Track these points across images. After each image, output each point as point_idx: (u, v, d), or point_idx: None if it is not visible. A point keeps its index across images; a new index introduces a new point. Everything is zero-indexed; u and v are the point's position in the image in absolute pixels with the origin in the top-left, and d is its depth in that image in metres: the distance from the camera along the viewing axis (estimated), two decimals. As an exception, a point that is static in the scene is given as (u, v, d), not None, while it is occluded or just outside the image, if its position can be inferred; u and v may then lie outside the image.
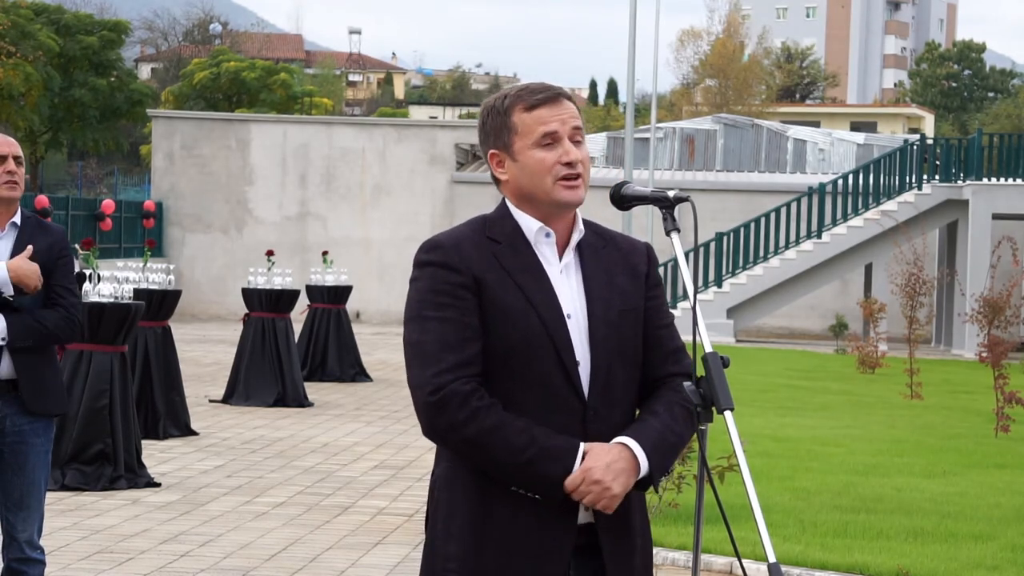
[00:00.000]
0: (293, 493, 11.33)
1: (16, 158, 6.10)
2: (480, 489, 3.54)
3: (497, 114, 3.64)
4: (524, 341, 3.52)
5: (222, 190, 35.08)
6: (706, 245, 31.44)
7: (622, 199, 3.71)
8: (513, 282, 3.56)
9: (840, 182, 31.84)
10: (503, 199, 3.68)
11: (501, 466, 3.49)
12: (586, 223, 3.71)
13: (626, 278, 3.68)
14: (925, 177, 31.43)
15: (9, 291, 5.99)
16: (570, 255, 3.66)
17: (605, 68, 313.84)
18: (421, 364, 3.52)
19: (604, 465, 3.48)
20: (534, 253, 3.61)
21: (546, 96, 3.63)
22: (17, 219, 6.12)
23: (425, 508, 3.75)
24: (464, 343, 3.51)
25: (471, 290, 3.54)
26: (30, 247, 6.03)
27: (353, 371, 20.59)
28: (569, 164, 3.59)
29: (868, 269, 32.37)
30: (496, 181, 3.69)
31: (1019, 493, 11.77)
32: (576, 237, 3.66)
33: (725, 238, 31.33)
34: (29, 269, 6.01)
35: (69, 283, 6.17)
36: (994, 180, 31.00)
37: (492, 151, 3.66)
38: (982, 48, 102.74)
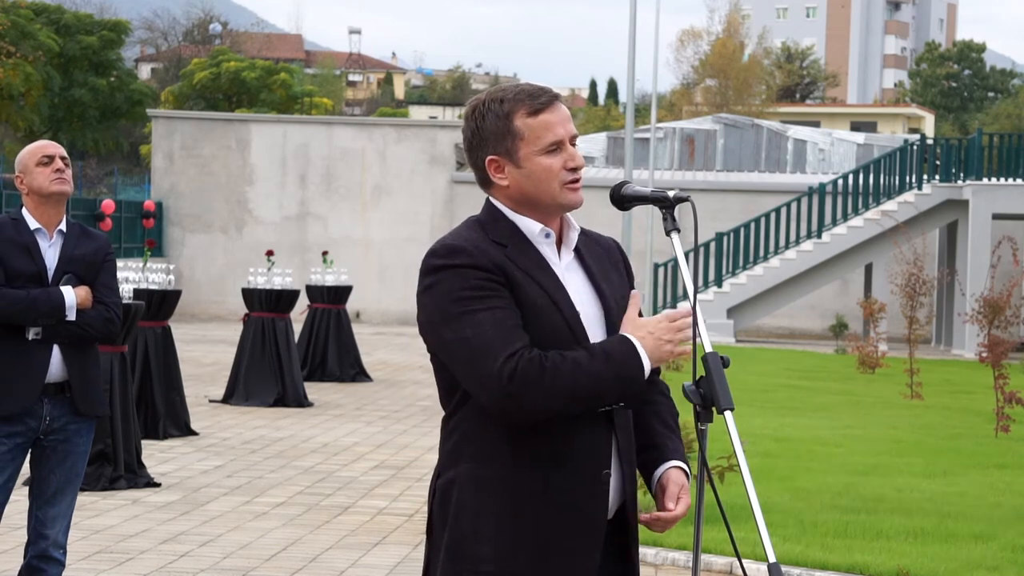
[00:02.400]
0: (293, 493, 11.32)
1: (63, 158, 6.35)
2: (509, 489, 3.52)
3: (496, 118, 3.60)
4: (550, 339, 3.52)
5: (222, 190, 35.07)
6: (706, 245, 31.44)
7: (622, 199, 3.72)
8: (534, 281, 3.56)
9: (840, 182, 31.83)
10: (489, 201, 3.66)
11: (593, 396, 3.49)
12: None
13: (613, 272, 3.74)
14: (925, 177, 31.42)
15: (72, 316, 6.28)
16: (569, 254, 3.67)
17: (605, 68, 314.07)
18: (485, 355, 3.45)
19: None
20: (540, 253, 3.62)
21: (547, 100, 3.62)
22: (63, 226, 6.34)
23: (428, 509, 3.72)
24: (519, 328, 3.49)
25: (505, 287, 3.52)
26: (87, 288, 6.36)
27: (353, 371, 20.58)
28: (574, 169, 3.61)
29: (868, 269, 32.36)
30: (485, 185, 3.67)
31: (1019, 493, 11.77)
32: (573, 236, 3.69)
33: (725, 238, 31.32)
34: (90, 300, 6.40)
35: (112, 284, 6.46)
36: (994, 180, 30.99)
37: (491, 157, 3.61)
38: (982, 48, 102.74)
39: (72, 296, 6.25)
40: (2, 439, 6.20)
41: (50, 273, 6.27)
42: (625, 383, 3.50)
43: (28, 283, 6.21)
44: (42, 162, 6.27)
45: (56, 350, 6.25)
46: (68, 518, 6.38)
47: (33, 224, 6.26)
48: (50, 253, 6.29)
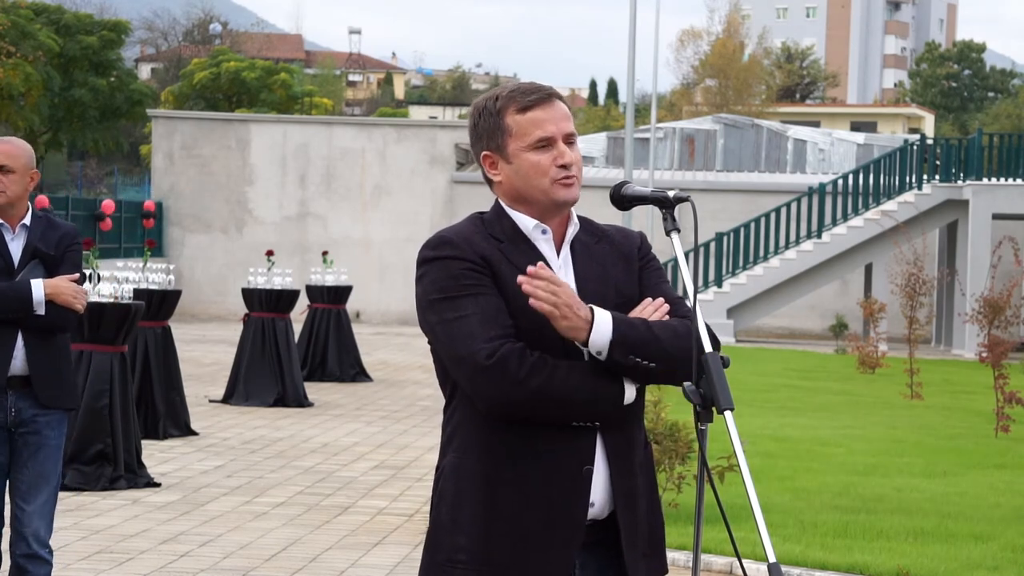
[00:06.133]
0: (293, 493, 11.33)
1: (2, 167, 6.18)
2: (488, 481, 3.53)
3: (489, 115, 3.64)
4: (536, 335, 3.53)
5: (222, 190, 35.07)
6: (706, 245, 31.44)
7: (622, 199, 3.71)
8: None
9: (840, 182, 31.84)
10: (496, 199, 3.69)
11: (568, 405, 3.50)
12: (580, 219, 3.72)
13: (621, 268, 3.70)
14: (925, 177, 31.43)
15: (41, 311, 6.17)
16: (566, 251, 3.67)
17: (605, 68, 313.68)
18: (466, 335, 3.49)
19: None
20: (536, 249, 3.62)
21: (539, 97, 3.63)
22: (27, 220, 6.28)
23: (428, 507, 3.73)
24: (503, 315, 3.52)
25: (491, 279, 3.55)
26: (77, 275, 6.24)
27: (353, 371, 20.58)
28: (564, 167, 3.61)
29: (868, 269, 32.36)
30: (488, 182, 3.70)
31: (1019, 493, 11.77)
32: (572, 231, 3.67)
33: (725, 238, 31.32)
34: (68, 288, 6.19)
35: (73, 273, 6.32)
36: (994, 180, 31.00)
37: (485, 153, 3.66)
38: (982, 48, 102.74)
39: (40, 290, 6.15)
40: None
41: (16, 265, 6.23)
42: (603, 402, 3.52)
43: None
44: None
45: (20, 343, 6.19)
46: (48, 515, 6.30)
47: None
48: (14, 246, 6.24)
